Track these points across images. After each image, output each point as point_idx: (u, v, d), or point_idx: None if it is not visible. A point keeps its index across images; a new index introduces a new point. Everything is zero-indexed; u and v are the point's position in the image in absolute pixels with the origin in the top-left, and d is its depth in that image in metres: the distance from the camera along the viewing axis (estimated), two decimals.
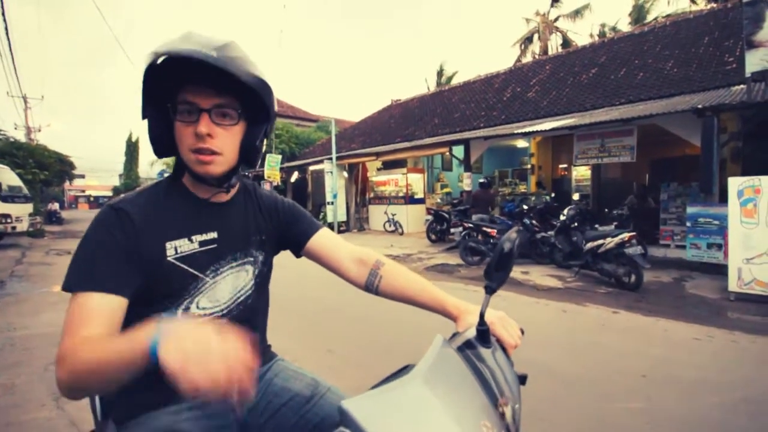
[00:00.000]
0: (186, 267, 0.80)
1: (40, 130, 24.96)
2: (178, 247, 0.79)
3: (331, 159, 12.91)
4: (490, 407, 0.60)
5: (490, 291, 0.73)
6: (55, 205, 21.84)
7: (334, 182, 12.81)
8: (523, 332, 0.82)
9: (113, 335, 0.67)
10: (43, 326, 3.91)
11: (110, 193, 50.67)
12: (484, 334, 0.71)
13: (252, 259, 0.91)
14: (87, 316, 0.67)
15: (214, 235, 0.85)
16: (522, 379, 0.74)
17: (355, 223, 14.00)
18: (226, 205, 0.89)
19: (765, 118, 6.61)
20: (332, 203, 12.84)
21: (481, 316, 0.72)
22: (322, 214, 13.68)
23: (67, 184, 32.60)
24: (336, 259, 0.98)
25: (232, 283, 0.87)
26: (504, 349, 0.77)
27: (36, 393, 2.58)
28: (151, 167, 32.39)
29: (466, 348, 0.69)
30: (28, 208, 11.24)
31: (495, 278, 0.73)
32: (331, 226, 12.65)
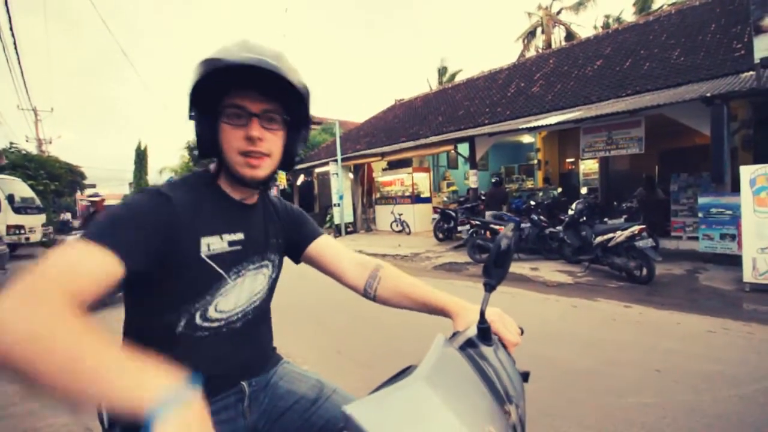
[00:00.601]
0: (214, 266, 0.79)
1: (50, 142, 25.38)
2: (211, 245, 0.79)
3: (336, 161, 12.94)
4: (495, 406, 0.59)
5: (489, 288, 0.73)
6: (68, 215, 22.21)
7: (340, 184, 12.84)
8: (522, 331, 0.80)
9: (112, 343, 0.52)
10: None
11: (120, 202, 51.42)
12: (485, 332, 0.71)
13: (269, 262, 0.92)
14: (77, 261, 0.59)
15: (241, 235, 0.85)
16: (525, 376, 0.73)
17: (362, 224, 14.01)
18: (252, 207, 0.90)
19: None
20: (339, 205, 12.87)
21: (482, 314, 0.71)
22: (329, 216, 13.73)
23: (78, 194, 33.10)
24: (336, 264, 1.00)
25: (249, 286, 0.87)
26: (505, 347, 0.76)
27: None
28: (160, 174, 32.79)
29: (468, 347, 0.68)
30: (41, 218, 11.43)
31: (494, 275, 0.73)
32: (338, 228, 12.69)
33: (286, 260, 1.04)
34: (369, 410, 0.45)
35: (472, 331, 0.72)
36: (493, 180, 9.11)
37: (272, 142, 0.80)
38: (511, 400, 0.63)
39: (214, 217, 0.81)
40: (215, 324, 0.82)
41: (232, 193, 0.85)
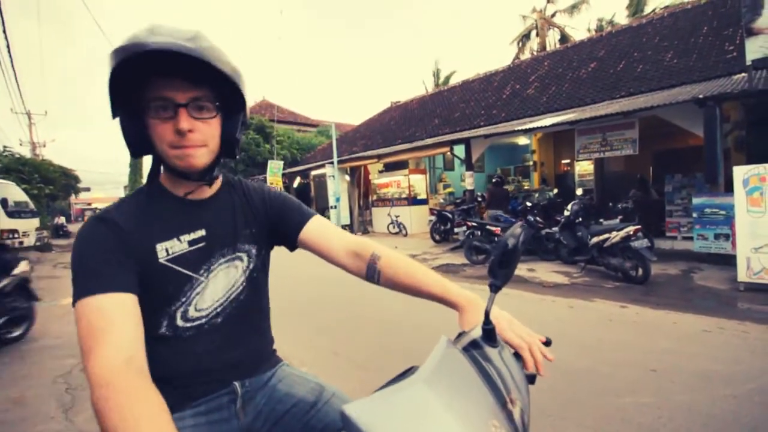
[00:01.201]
0: (179, 268, 0.78)
1: (44, 146, 25.21)
2: (169, 249, 0.78)
3: (332, 163, 12.94)
4: (497, 408, 0.58)
5: (494, 289, 0.71)
6: (62, 219, 22.07)
7: (337, 186, 12.84)
8: (549, 342, 0.77)
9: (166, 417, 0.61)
10: (52, 339, 3.94)
11: None
12: (490, 333, 0.69)
13: (242, 254, 0.89)
14: (107, 318, 0.64)
15: (202, 233, 0.83)
16: (531, 379, 0.72)
17: (359, 226, 14.01)
18: (210, 201, 0.87)
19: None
20: (335, 207, 12.88)
21: (486, 314, 0.70)
22: (325, 218, 13.73)
23: (72, 197, 32.89)
24: (329, 250, 0.94)
25: (223, 280, 0.85)
26: (518, 354, 0.74)
27: (45, 405, 2.60)
28: None
29: (472, 348, 0.67)
30: (35, 222, 11.35)
31: (500, 275, 0.71)
32: None
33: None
34: (368, 411, 0.45)
35: (477, 333, 0.71)
36: (494, 180, 9.22)
37: (205, 131, 0.75)
38: (514, 402, 0.62)
39: (167, 220, 0.80)
40: (196, 323, 0.81)
41: (176, 190, 0.83)
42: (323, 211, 14.32)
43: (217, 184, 0.90)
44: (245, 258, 0.90)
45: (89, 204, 57.72)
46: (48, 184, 16.59)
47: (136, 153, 0.78)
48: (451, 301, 0.84)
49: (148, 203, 0.81)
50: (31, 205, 11.64)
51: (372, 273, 0.91)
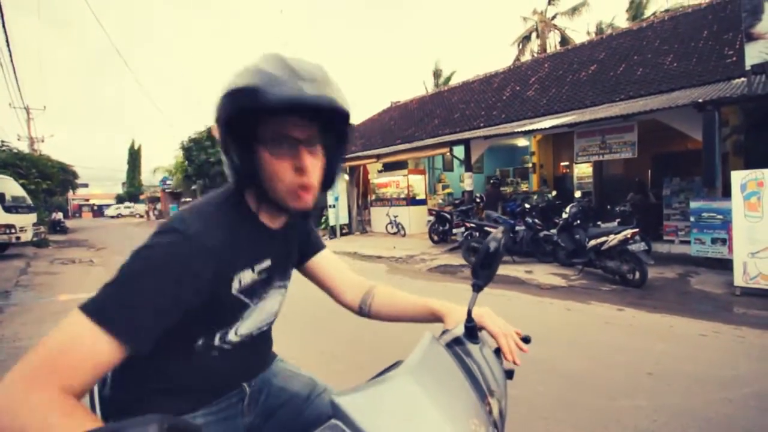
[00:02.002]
0: (244, 298, 0.77)
1: (43, 141, 25.12)
2: (242, 280, 0.75)
3: None
4: (478, 403, 0.61)
5: (477, 288, 0.75)
6: (59, 215, 21.95)
7: (335, 185, 12.78)
8: (529, 340, 0.79)
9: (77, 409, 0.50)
10: None
11: (113, 201, 51.17)
12: (471, 330, 0.73)
13: (287, 281, 0.91)
14: (71, 347, 0.54)
15: (268, 262, 0.81)
16: (509, 374, 0.76)
17: (357, 226, 14.00)
18: (280, 230, 0.85)
19: (767, 110, 6.57)
20: (334, 206, 12.86)
21: (469, 312, 0.73)
22: (324, 217, 13.70)
23: (70, 193, 32.80)
24: (335, 282, 1.00)
25: (269, 307, 0.85)
26: (498, 350, 0.77)
27: None
28: (153, 174, 32.59)
29: (455, 344, 0.71)
30: (32, 217, 11.31)
31: (482, 276, 0.75)
32: (333, 230, 12.67)
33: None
34: (356, 400, 0.48)
35: (460, 330, 0.75)
36: (492, 181, 9.45)
37: (316, 170, 0.73)
38: (493, 395, 0.65)
39: (247, 249, 0.76)
40: (231, 344, 0.80)
41: (270, 222, 0.80)
42: (321, 210, 14.32)
43: None
44: (287, 284, 0.92)
45: (87, 200, 57.54)
46: (46, 179, 16.56)
47: (243, 185, 0.75)
48: (435, 313, 0.88)
49: (236, 228, 0.74)
50: (29, 201, 11.59)
51: (367, 298, 0.97)
